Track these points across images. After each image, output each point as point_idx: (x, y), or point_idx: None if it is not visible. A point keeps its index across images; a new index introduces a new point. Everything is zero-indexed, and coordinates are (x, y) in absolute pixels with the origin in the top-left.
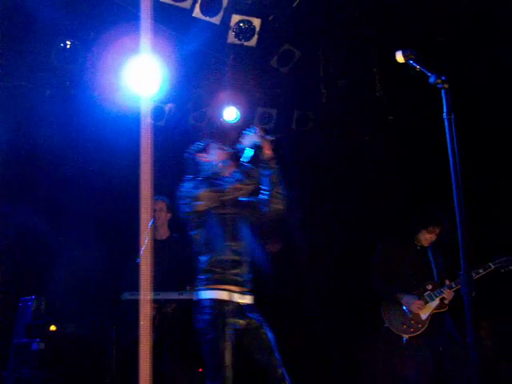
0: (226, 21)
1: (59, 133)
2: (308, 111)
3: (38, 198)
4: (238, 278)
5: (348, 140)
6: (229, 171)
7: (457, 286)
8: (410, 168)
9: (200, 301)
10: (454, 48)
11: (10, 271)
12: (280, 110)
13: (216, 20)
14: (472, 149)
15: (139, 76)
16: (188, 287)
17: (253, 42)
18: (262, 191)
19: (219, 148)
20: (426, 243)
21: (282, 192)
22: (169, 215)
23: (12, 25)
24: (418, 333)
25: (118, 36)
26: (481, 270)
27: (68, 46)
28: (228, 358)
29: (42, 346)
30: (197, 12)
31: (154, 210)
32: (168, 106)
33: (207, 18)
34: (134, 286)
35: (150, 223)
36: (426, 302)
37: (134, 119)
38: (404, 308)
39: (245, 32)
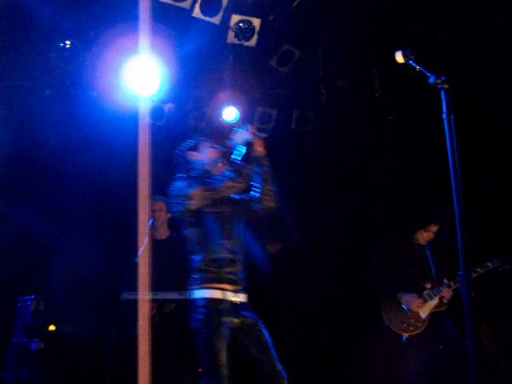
0: (225, 21)
1: (59, 133)
2: (308, 111)
3: (37, 198)
4: (232, 277)
5: (347, 140)
6: (220, 169)
7: (455, 285)
8: (410, 168)
9: (194, 300)
10: (453, 48)
11: (9, 271)
12: (280, 110)
13: (216, 20)
14: (471, 149)
15: (139, 76)
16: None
17: (252, 42)
18: (253, 188)
19: (211, 146)
20: (423, 242)
21: (273, 189)
22: (168, 215)
23: (11, 25)
24: (418, 332)
25: (117, 36)
26: (479, 269)
27: (67, 46)
28: (223, 356)
29: (41, 345)
30: (196, 12)
31: (154, 210)
32: (167, 106)
33: (207, 18)
34: (133, 286)
35: (150, 223)
36: (426, 301)
37: (134, 119)
38: (404, 307)
39: (244, 32)
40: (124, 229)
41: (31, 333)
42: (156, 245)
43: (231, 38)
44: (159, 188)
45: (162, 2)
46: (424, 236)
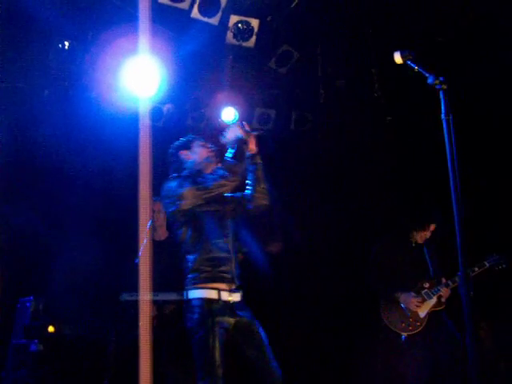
0: (224, 21)
1: (57, 133)
2: (306, 112)
3: (36, 198)
4: (227, 275)
5: (346, 140)
6: (212, 168)
7: (453, 284)
8: (409, 168)
9: (189, 300)
10: (453, 48)
11: (8, 272)
12: (278, 111)
13: (214, 21)
14: (470, 149)
15: (137, 76)
16: None
17: (251, 42)
18: (246, 186)
19: (202, 145)
20: (420, 240)
21: (266, 187)
22: None
23: (10, 25)
24: (417, 331)
25: (116, 37)
26: (476, 268)
27: (66, 47)
28: (218, 356)
29: (41, 346)
30: (195, 13)
31: (153, 211)
32: (166, 107)
33: (205, 19)
34: (133, 287)
35: (149, 224)
36: (424, 300)
37: (133, 120)
38: (402, 306)
39: (243, 33)
40: (124, 229)
41: (30, 334)
42: (155, 246)
43: (230, 38)
44: (157, 189)
45: (160, 3)
46: (421, 235)
